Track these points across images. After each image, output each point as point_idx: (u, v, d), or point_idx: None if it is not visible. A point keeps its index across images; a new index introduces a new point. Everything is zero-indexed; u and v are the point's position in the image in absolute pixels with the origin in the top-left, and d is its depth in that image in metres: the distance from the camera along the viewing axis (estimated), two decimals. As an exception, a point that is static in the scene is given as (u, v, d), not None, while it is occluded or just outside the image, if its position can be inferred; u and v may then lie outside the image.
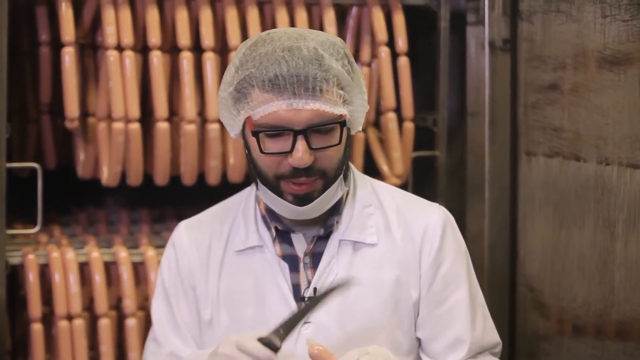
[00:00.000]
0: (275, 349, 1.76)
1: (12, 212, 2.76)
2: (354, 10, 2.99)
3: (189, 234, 2.05)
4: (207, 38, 2.83)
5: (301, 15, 2.89)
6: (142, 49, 2.86)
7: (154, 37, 2.81)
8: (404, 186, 2.82)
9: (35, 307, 2.75)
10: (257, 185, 1.95)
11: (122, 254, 2.83)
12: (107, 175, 2.85)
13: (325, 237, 1.97)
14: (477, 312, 2.01)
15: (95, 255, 2.81)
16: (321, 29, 2.90)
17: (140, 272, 2.87)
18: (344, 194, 1.98)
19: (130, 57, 2.79)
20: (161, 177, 2.88)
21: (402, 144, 2.99)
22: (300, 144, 1.83)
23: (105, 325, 2.79)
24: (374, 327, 1.93)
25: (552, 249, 2.65)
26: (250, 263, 1.99)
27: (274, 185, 1.89)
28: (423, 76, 3.12)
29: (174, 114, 2.89)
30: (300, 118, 1.83)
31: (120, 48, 2.79)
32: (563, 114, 2.60)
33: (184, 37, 2.83)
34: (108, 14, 2.79)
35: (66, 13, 2.77)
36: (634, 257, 2.33)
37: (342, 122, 1.86)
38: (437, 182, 3.02)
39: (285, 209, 1.91)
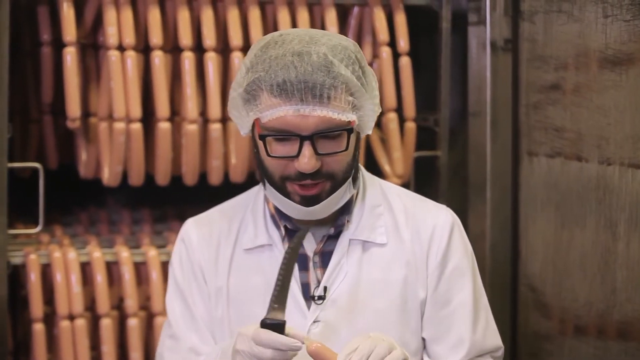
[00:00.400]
0: (282, 325, 1.78)
1: (13, 212, 2.76)
2: (356, 10, 2.98)
3: (198, 230, 2.05)
4: (209, 38, 2.83)
5: (303, 15, 2.89)
6: (144, 49, 2.86)
7: (156, 37, 2.81)
8: (405, 186, 2.81)
9: (37, 307, 2.75)
10: (264, 185, 1.95)
11: (124, 254, 2.83)
12: (109, 175, 2.85)
13: (335, 237, 1.98)
14: (480, 314, 2.01)
15: (97, 255, 2.81)
16: (323, 29, 2.90)
17: (141, 272, 2.87)
18: (354, 195, 1.99)
19: (131, 57, 2.79)
20: (163, 177, 2.88)
21: (403, 144, 2.99)
22: (307, 150, 1.84)
23: (106, 325, 2.78)
24: (383, 326, 1.93)
25: (554, 249, 2.65)
26: (259, 262, 1.99)
27: (280, 186, 1.90)
28: (424, 76, 3.12)
29: (175, 114, 2.89)
30: (307, 124, 1.83)
31: (121, 48, 2.79)
32: (565, 114, 2.60)
33: (185, 37, 2.83)
34: (109, 14, 2.79)
35: (68, 13, 2.77)
36: (636, 257, 2.33)
37: (349, 129, 1.86)
38: (439, 182, 3.02)
39: (293, 209, 1.92)
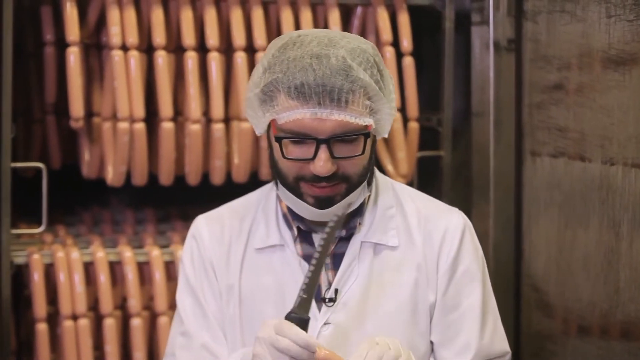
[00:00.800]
0: (306, 321, 1.76)
1: (17, 212, 2.77)
2: (359, 10, 2.99)
3: (209, 227, 2.04)
4: (212, 38, 2.84)
5: (306, 15, 2.89)
6: (147, 48, 2.86)
7: (159, 37, 2.81)
8: (408, 186, 2.82)
9: (40, 307, 2.75)
10: (277, 186, 1.95)
11: (127, 253, 2.83)
12: (112, 175, 2.85)
13: (346, 239, 1.97)
14: (488, 319, 2.00)
15: (100, 255, 2.81)
16: (326, 28, 2.89)
17: (145, 272, 2.87)
18: (366, 197, 1.98)
19: (135, 57, 2.79)
20: (166, 177, 2.88)
21: (407, 143, 2.99)
22: (323, 153, 1.83)
23: (110, 325, 2.79)
24: (392, 329, 1.92)
25: (557, 249, 2.65)
26: (270, 261, 1.98)
27: (294, 187, 1.89)
28: (428, 76, 3.12)
29: (178, 113, 2.90)
30: (324, 128, 1.82)
31: (125, 48, 2.79)
32: (568, 114, 2.60)
33: (188, 37, 2.83)
34: (113, 14, 2.79)
35: (71, 13, 2.78)
36: (639, 257, 2.33)
37: (366, 134, 1.86)
38: (442, 182, 3.02)
39: (305, 210, 1.91)
